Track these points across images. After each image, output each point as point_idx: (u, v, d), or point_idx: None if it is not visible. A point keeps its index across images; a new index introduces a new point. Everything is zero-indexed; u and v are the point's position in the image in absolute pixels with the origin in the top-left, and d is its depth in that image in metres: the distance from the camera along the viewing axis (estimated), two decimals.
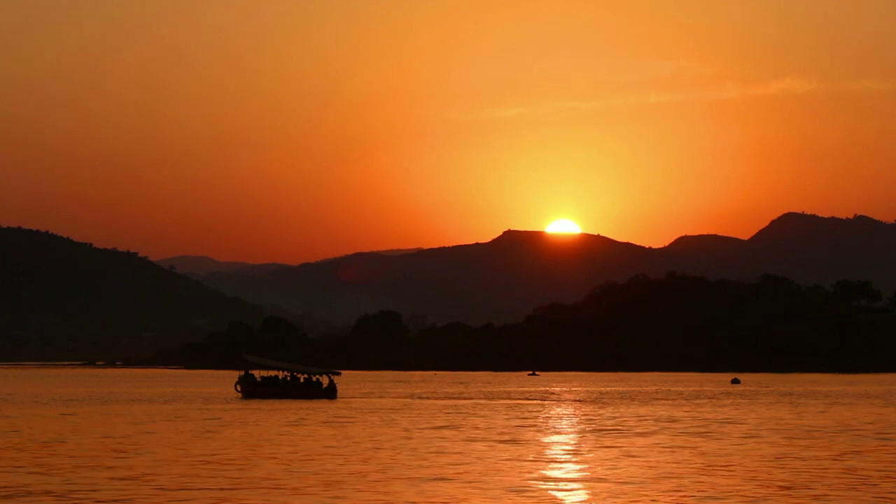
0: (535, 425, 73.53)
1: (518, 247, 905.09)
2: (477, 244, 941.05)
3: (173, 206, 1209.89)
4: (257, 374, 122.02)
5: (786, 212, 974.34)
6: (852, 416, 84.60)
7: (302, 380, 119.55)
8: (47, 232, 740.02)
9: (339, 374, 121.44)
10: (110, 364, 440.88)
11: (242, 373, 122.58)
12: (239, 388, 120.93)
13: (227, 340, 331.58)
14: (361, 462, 48.00)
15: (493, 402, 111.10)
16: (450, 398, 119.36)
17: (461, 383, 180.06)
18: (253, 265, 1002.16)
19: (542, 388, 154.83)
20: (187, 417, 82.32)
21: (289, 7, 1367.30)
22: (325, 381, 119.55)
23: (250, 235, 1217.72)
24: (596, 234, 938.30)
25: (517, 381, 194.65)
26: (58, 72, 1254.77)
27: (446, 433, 65.60)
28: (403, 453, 52.14)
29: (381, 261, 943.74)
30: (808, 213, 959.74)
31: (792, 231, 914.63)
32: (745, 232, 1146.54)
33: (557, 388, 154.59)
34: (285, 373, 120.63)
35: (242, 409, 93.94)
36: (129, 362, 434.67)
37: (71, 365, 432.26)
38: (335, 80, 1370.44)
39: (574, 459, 49.92)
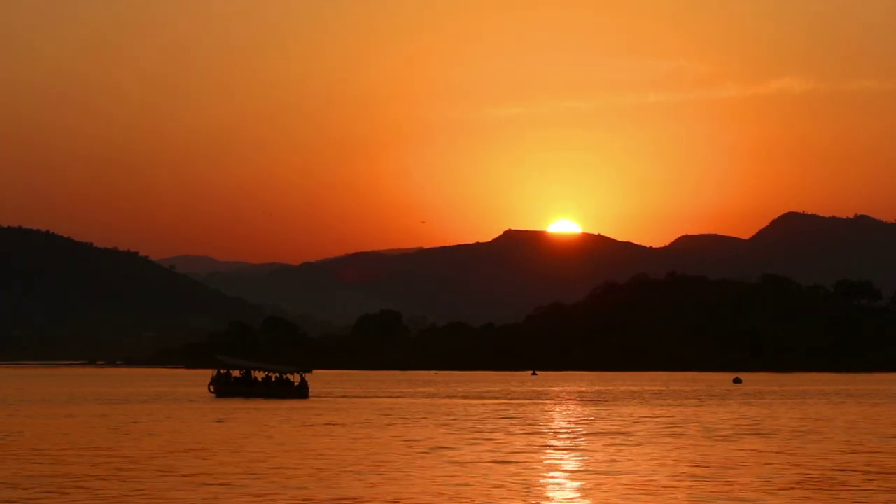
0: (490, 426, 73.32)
1: (518, 246, 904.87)
2: (477, 244, 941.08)
3: (174, 206, 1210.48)
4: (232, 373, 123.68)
5: (786, 211, 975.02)
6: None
7: (274, 379, 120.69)
8: (48, 231, 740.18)
9: (310, 372, 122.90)
10: (111, 364, 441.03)
11: (215, 372, 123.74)
12: (212, 388, 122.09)
13: (229, 341, 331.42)
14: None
15: (473, 401, 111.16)
16: (428, 398, 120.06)
17: (457, 382, 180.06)
18: (253, 265, 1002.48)
19: (534, 389, 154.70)
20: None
21: (291, 6, 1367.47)
22: (296, 379, 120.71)
23: (251, 235, 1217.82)
24: (596, 233, 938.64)
25: (517, 381, 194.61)
26: (58, 70, 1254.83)
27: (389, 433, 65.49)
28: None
29: (382, 260, 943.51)
30: (809, 213, 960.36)
31: (792, 231, 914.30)
32: (745, 231, 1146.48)
33: (547, 389, 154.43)
34: (257, 372, 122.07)
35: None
36: (130, 362, 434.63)
37: (71, 365, 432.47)
38: (336, 80, 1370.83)
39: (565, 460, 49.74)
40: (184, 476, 42.21)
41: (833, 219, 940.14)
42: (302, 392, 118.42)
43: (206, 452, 52.18)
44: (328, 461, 48.16)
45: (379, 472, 43.11)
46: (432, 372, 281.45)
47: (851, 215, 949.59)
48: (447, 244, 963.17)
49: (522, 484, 40.16)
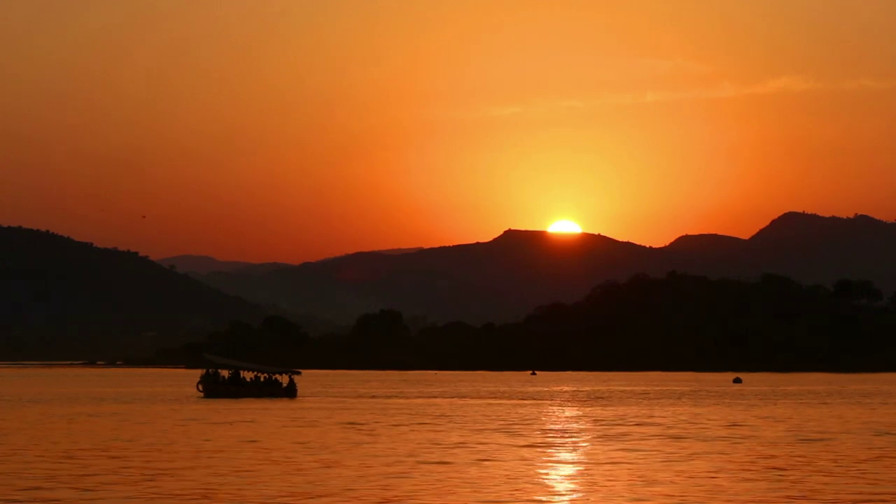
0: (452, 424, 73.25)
1: (519, 246, 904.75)
2: (478, 243, 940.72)
3: (174, 205, 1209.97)
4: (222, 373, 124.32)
5: (786, 211, 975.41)
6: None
7: (262, 379, 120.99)
8: (47, 231, 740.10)
9: (299, 373, 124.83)
10: (111, 363, 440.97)
11: (204, 372, 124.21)
12: (201, 388, 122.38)
13: (229, 341, 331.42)
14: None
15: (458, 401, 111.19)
16: (420, 397, 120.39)
17: (460, 382, 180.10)
18: (253, 265, 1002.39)
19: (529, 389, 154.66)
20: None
21: (291, 6, 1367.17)
22: (284, 380, 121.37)
23: (251, 235, 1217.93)
24: (596, 233, 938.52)
25: (516, 381, 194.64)
26: (58, 69, 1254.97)
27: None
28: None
29: (382, 260, 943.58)
30: (808, 213, 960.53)
31: (792, 231, 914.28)
32: (745, 231, 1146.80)
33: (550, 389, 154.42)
34: (246, 372, 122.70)
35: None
36: (130, 362, 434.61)
37: (71, 365, 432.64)
38: (338, 79, 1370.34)
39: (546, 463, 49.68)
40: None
41: (833, 219, 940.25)
42: (290, 392, 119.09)
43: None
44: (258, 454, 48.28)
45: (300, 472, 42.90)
46: (432, 372, 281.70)
47: (851, 215, 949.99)
48: (447, 244, 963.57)
49: (507, 484, 40.20)
